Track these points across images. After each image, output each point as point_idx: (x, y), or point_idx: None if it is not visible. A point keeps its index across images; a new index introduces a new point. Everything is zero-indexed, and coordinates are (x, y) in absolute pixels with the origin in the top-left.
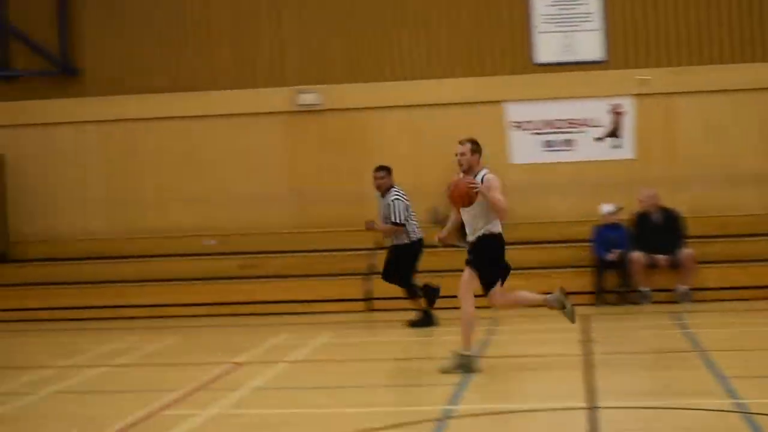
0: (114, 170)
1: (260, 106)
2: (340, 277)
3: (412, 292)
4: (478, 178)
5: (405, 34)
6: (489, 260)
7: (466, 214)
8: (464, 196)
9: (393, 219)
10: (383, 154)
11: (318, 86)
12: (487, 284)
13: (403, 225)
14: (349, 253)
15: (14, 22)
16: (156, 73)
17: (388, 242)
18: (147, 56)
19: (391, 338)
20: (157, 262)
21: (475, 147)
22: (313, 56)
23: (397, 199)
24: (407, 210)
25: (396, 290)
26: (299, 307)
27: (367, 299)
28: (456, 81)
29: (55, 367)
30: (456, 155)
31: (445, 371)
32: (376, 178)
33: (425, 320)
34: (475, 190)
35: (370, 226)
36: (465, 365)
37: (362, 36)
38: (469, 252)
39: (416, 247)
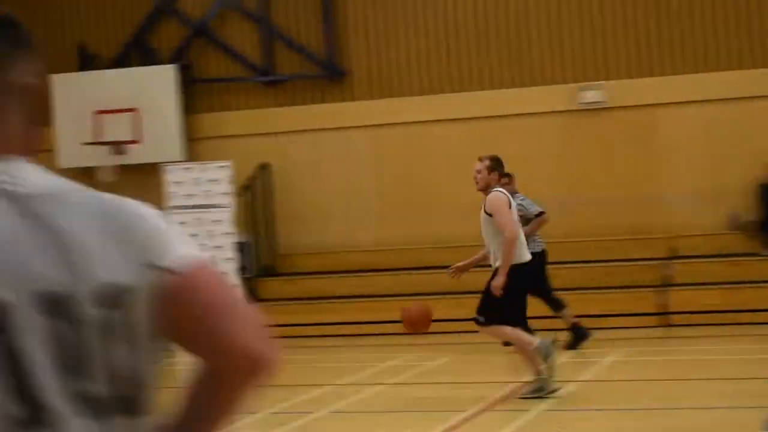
0: (385, 178)
1: (537, 106)
2: (631, 290)
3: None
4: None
5: (697, 20)
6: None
7: (485, 236)
8: (416, 324)
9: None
10: (676, 155)
11: (601, 82)
12: (488, 314)
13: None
14: (639, 263)
15: (278, 25)
16: (425, 74)
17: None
18: (415, 56)
19: (690, 356)
20: (429, 274)
21: (494, 165)
22: (595, 49)
23: (525, 199)
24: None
25: (697, 305)
26: (587, 322)
27: (661, 314)
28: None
29: (332, 385)
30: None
31: None
32: None
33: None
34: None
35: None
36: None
37: (647, 25)
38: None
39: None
